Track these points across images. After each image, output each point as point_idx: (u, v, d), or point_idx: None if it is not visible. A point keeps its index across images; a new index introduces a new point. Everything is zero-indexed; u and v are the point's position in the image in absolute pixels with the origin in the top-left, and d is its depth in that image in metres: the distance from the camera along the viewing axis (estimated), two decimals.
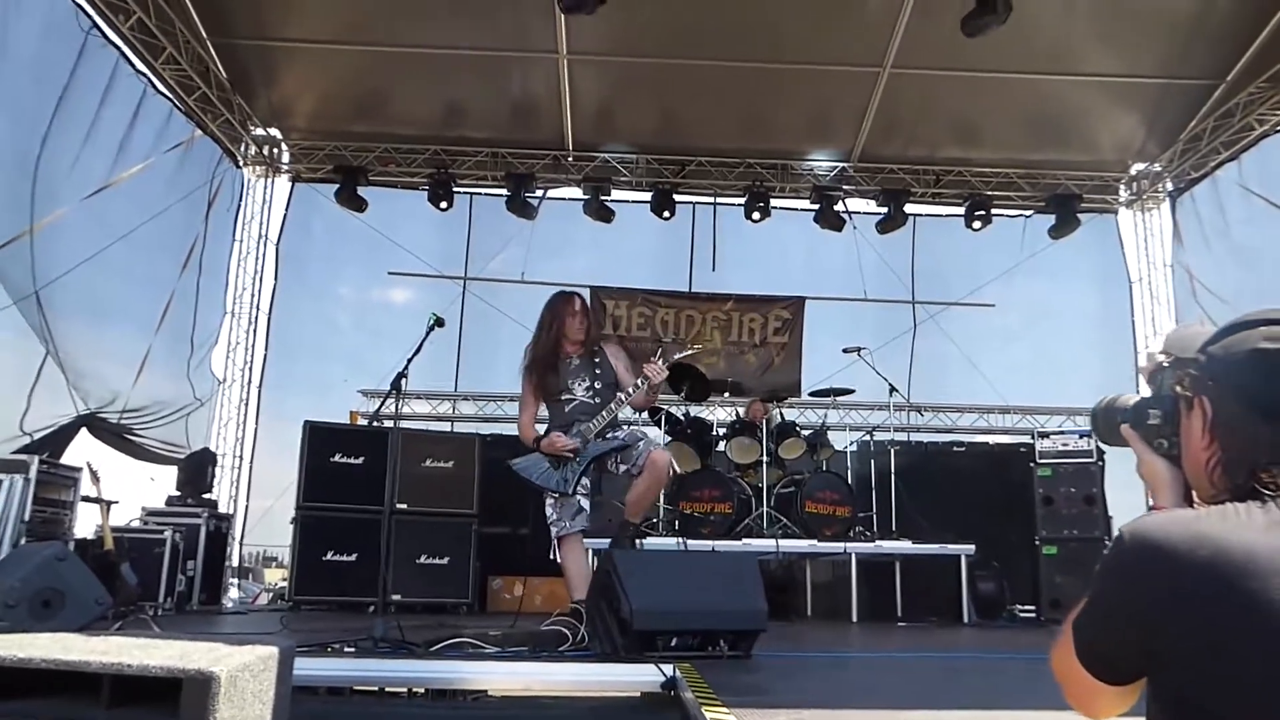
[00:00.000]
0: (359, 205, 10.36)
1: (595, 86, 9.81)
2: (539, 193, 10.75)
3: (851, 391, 8.88)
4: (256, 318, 10.53)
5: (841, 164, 10.80)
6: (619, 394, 5.10)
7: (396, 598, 7.09)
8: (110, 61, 7.88)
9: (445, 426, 10.60)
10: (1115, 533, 1.24)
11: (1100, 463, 7.77)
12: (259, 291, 10.56)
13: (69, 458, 6.88)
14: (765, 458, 8.08)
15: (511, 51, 9.13)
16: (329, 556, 7.34)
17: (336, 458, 7.54)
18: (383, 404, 5.05)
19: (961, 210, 10.75)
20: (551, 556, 5.12)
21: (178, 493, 7.94)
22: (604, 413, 5.05)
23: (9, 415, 6.75)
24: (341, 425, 8.35)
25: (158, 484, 8.33)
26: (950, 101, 9.79)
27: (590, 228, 10.70)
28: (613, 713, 3.76)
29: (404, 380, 4.78)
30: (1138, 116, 10.08)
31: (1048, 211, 10.75)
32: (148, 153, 8.41)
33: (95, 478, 6.12)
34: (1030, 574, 8.02)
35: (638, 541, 4.97)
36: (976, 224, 10.64)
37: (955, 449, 9.92)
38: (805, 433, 8.52)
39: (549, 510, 5.10)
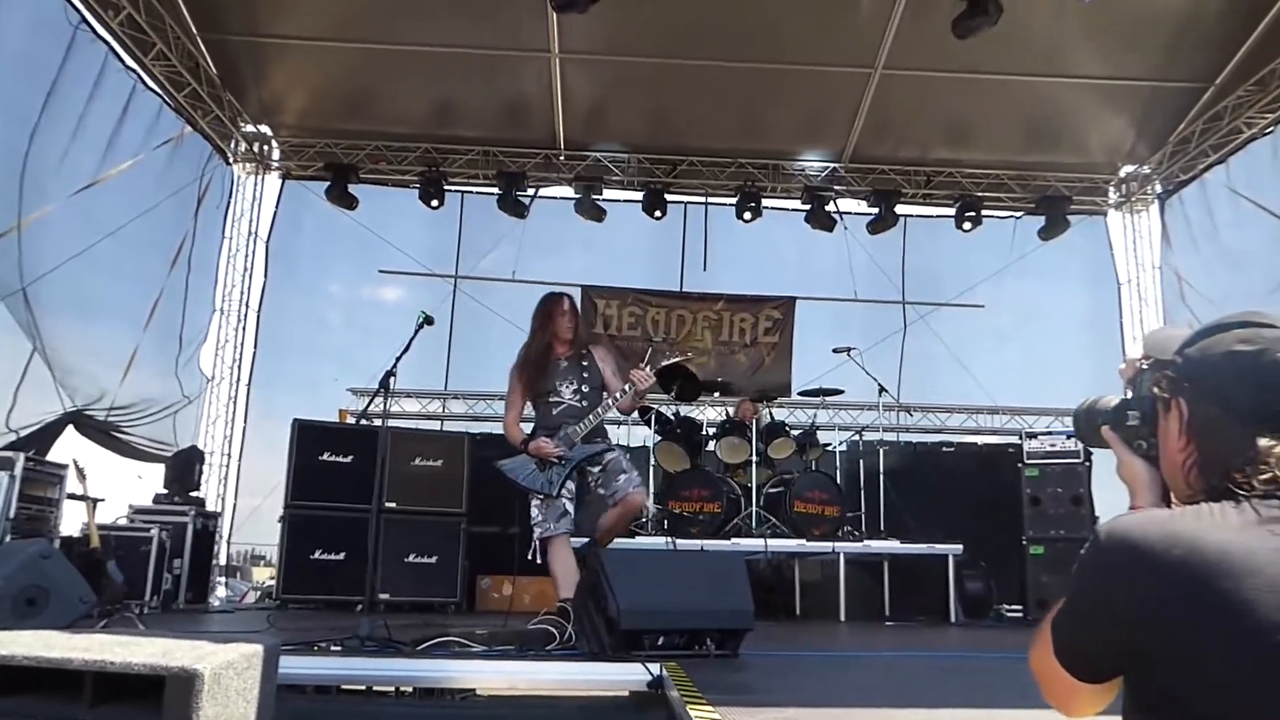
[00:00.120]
0: (350, 203, 10.34)
1: (587, 86, 9.80)
2: (530, 191, 10.74)
3: (841, 392, 8.89)
4: (246, 315, 10.50)
5: (833, 164, 10.82)
6: (606, 399, 5.12)
7: (385, 597, 7.09)
8: (99, 57, 7.84)
9: (435, 425, 10.59)
10: (1092, 532, 1.24)
11: (1087, 463, 7.80)
12: (248, 289, 10.53)
13: (55, 455, 6.84)
14: (755, 457, 8.09)
15: (503, 50, 9.12)
16: (317, 555, 7.31)
17: (325, 456, 7.51)
18: (370, 402, 5.04)
19: (952, 211, 10.79)
20: (531, 557, 5.13)
21: (165, 491, 7.91)
22: (590, 416, 5.08)
23: None
24: (330, 424, 8.33)
25: (145, 482, 8.31)
26: (941, 102, 9.82)
27: (581, 227, 10.70)
28: (600, 712, 3.77)
29: (393, 379, 4.77)
30: (1127, 119, 10.13)
31: (1038, 213, 10.79)
32: (137, 149, 8.37)
33: (81, 475, 6.09)
34: (1017, 574, 8.05)
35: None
36: (967, 225, 10.67)
37: (944, 449, 9.96)
38: (794, 433, 8.54)
39: (534, 512, 5.10)
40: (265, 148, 10.66)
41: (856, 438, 9.46)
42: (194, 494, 8.15)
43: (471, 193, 11.01)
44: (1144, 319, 10.93)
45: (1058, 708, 1.36)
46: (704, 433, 8.61)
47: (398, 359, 4.78)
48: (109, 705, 2.18)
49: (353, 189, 10.35)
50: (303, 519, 7.39)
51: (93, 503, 6.08)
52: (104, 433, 8.05)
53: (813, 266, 11.20)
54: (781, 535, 7.72)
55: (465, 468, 7.80)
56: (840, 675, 4.36)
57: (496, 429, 8.94)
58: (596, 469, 5.14)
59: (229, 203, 10.34)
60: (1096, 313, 11.29)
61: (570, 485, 5.08)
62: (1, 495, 5.67)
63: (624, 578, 3.97)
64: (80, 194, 7.58)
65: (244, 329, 10.46)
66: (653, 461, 8.48)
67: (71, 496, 6.27)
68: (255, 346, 10.56)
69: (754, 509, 7.87)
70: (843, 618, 7.40)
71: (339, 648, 4.15)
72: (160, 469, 8.32)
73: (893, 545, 7.75)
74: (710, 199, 11.07)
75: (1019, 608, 8.14)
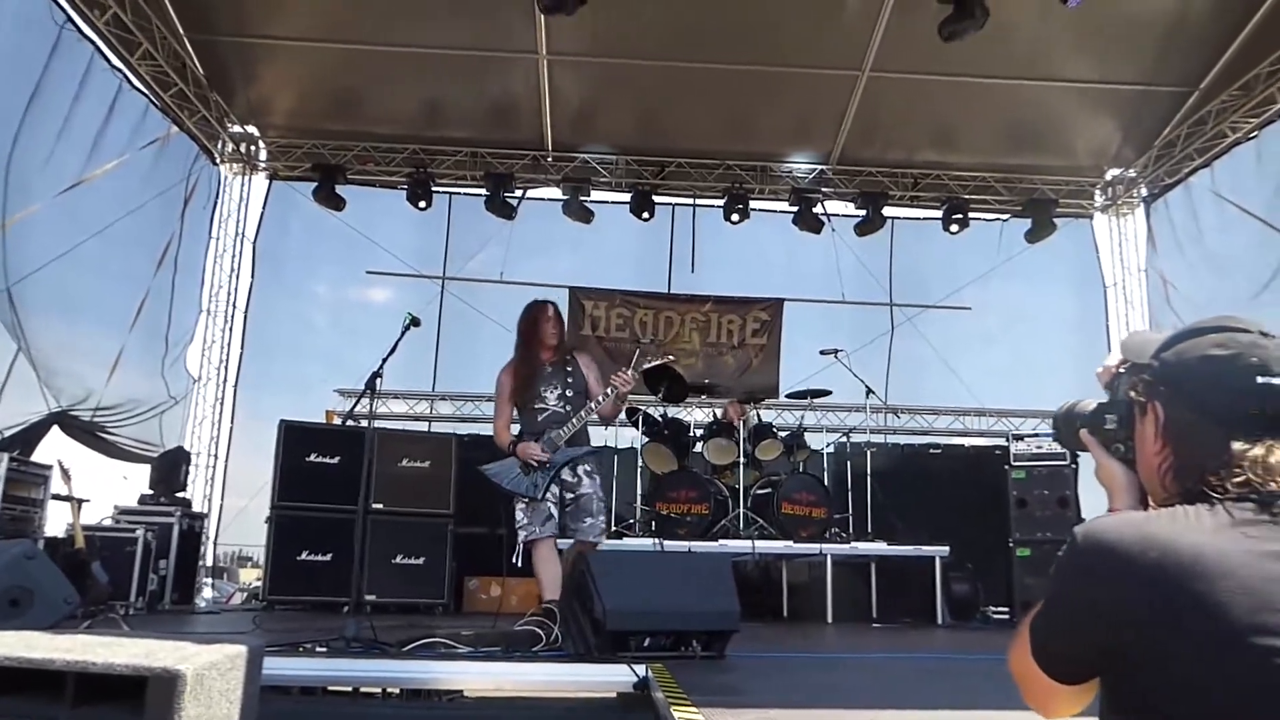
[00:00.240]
0: (337, 204, 10.31)
1: (575, 87, 9.80)
2: (518, 193, 10.73)
3: (828, 393, 8.92)
4: (233, 316, 10.46)
5: (820, 166, 10.84)
6: (589, 403, 5.20)
7: (372, 598, 7.07)
8: (85, 56, 7.80)
9: (423, 426, 10.56)
10: (1070, 535, 1.26)
11: (1073, 465, 7.84)
12: (235, 290, 10.49)
13: (40, 455, 6.81)
14: (742, 459, 8.11)
15: (491, 51, 9.11)
16: (304, 556, 7.30)
17: (312, 457, 7.50)
18: (356, 403, 5.04)
19: (939, 213, 10.81)
20: (516, 561, 5.16)
21: (150, 491, 7.87)
22: (574, 420, 5.16)
23: None
24: (317, 425, 8.32)
25: (130, 482, 8.27)
26: (928, 105, 9.85)
27: (569, 228, 10.70)
28: (588, 713, 3.77)
29: (379, 380, 4.76)
30: (1113, 122, 10.18)
31: (1024, 216, 10.84)
32: (123, 149, 8.33)
33: (66, 475, 6.06)
34: (1004, 576, 8.08)
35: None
36: (954, 227, 10.70)
37: (931, 451, 10.00)
38: (782, 434, 8.56)
39: (519, 515, 5.15)
40: (252, 148, 10.62)
41: (844, 439, 9.48)
42: (180, 495, 8.12)
43: (459, 194, 10.99)
44: (1129, 322, 10.99)
45: (1036, 709, 1.37)
46: (691, 434, 8.62)
47: (384, 360, 4.77)
48: (90, 706, 2.16)
49: (340, 190, 10.33)
50: (289, 520, 7.37)
51: (77, 503, 6.05)
52: (89, 433, 8.00)
53: (800, 268, 11.22)
54: (769, 537, 7.74)
55: (453, 469, 7.79)
56: (825, 676, 4.37)
57: (484, 430, 8.97)
58: (570, 484, 5.18)
59: (216, 203, 10.30)
60: (1083, 315, 11.35)
61: (554, 489, 5.13)
62: None
63: (610, 579, 3.98)
64: (66, 194, 7.55)
65: (231, 330, 10.43)
66: (640, 463, 8.49)
67: (56, 497, 6.24)
68: (242, 347, 10.53)
69: (741, 510, 7.89)
70: (829, 619, 7.42)
71: (324, 649, 4.14)
72: (146, 470, 8.28)
73: (880, 547, 7.78)
74: (698, 200, 11.08)
75: (1005, 609, 8.17)
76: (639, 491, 8.51)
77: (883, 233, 10.89)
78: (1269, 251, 8.52)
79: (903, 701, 3.32)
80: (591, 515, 5.18)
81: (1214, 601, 1.10)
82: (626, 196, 10.66)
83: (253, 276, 10.63)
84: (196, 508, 8.93)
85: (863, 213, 10.72)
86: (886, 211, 10.78)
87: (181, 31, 8.79)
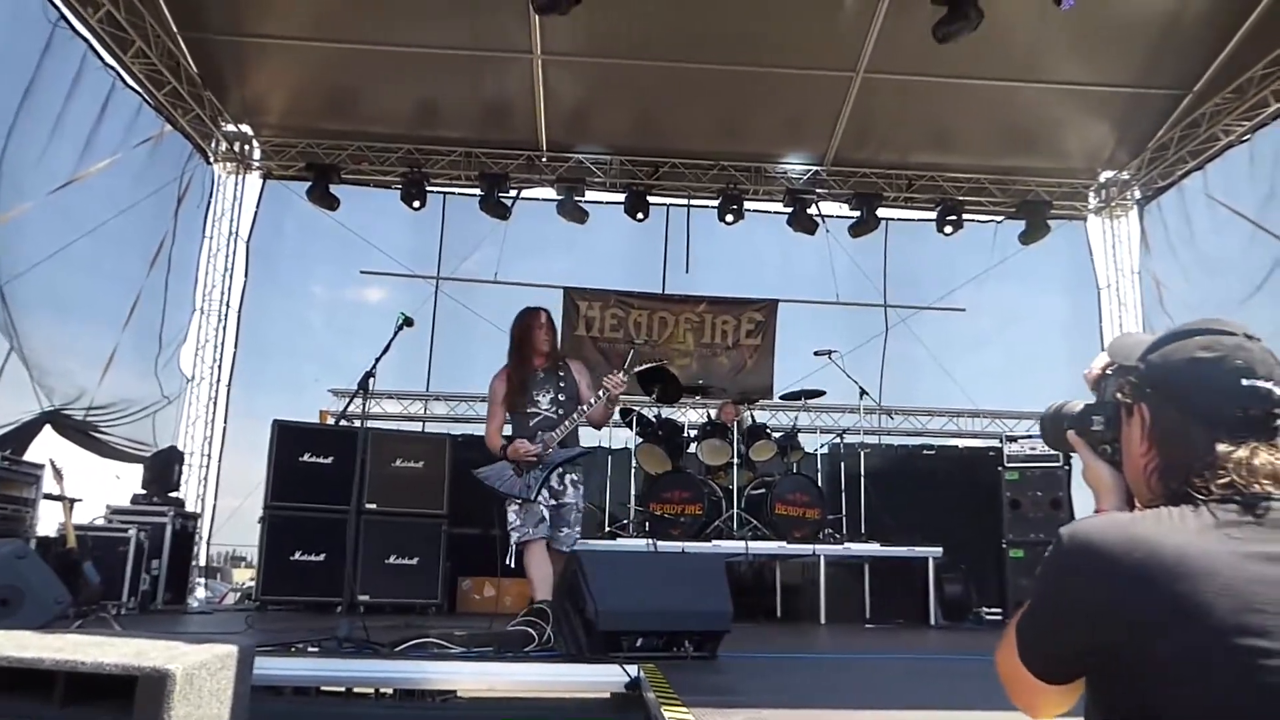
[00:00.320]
0: (331, 203, 10.30)
1: (570, 87, 9.80)
2: (513, 193, 10.73)
3: (822, 394, 8.92)
4: (226, 315, 10.44)
5: (815, 167, 10.85)
6: (581, 406, 5.27)
7: (365, 598, 7.06)
8: (78, 54, 7.78)
9: (417, 426, 10.55)
10: (1055, 536, 1.26)
11: (1066, 467, 7.86)
12: (229, 289, 10.47)
13: (32, 455, 6.79)
14: (736, 459, 8.11)
15: (486, 51, 9.10)
16: (297, 556, 7.28)
17: (306, 457, 7.48)
18: (349, 403, 5.04)
19: (933, 215, 10.83)
20: (509, 562, 5.19)
21: (143, 491, 7.85)
22: (566, 422, 5.22)
23: None
24: (311, 424, 8.29)
25: (123, 482, 8.25)
26: (923, 107, 9.86)
27: (564, 228, 10.69)
28: (580, 713, 3.77)
29: (372, 380, 4.77)
30: (1108, 125, 10.21)
31: (1018, 217, 10.85)
32: (116, 147, 8.31)
33: (58, 475, 6.05)
34: (997, 576, 8.10)
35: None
36: (948, 229, 10.72)
37: (925, 452, 10.00)
38: (776, 435, 8.56)
39: (512, 517, 5.19)
40: (246, 147, 10.60)
41: (838, 440, 9.48)
42: (173, 494, 8.11)
43: (454, 194, 10.99)
44: (1123, 323, 11.02)
45: (1023, 709, 1.37)
46: (685, 435, 8.62)
47: (377, 360, 4.78)
48: (80, 706, 2.16)
49: (334, 189, 10.31)
50: (283, 520, 7.36)
51: (69, 503, 6.04)
52: (82, 433, 7.99)
53: (795, 269, 11.23)
54: (762, 537, 7.74)
55: (446, 469, 7.78)
56: (817, 677, 4.38)
57: (478, 430, 8.92)
58: (557, 491, 5.23)
59: (209, 202, 10.29)
60: (1076, 317, 11.37)
61: (545, 493, 5.17)
62: None
63: (602, 579, 3.98)
64: (58, 192, 7.53)
65: (224, 329, 10.41)
66: (634, 463, 8.48)
67: (48, 497, 6.22)
68: (236, 347, 10.51)
69: (735, 511, 7.89)
70: (823, 620, 7.43)
71: (316, 649, 4.14)
72: (139, 469, 8.27)
73: (873, 548, 7.78)
74: (692, 201, 11.09)
75: (998, 610, 8.18)
76: (633, 492, 8.50)
77: (877, 234, 10.90)
78: (1261, 254, 8.55)
79: (893, 701, 3.33)
80: (569, 525, 5.26)
81: (1198, 602, 1.11)
82: (621, 197, 10.66)
83: (246, 276, 10.61)
84: (189, 508, 8.90)
85: (857, 214, 10.72)
86: (881, 213, 10.79)
87: (175, 29, 8.77)
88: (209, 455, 10.13)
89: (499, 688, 3.87)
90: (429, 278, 10.93)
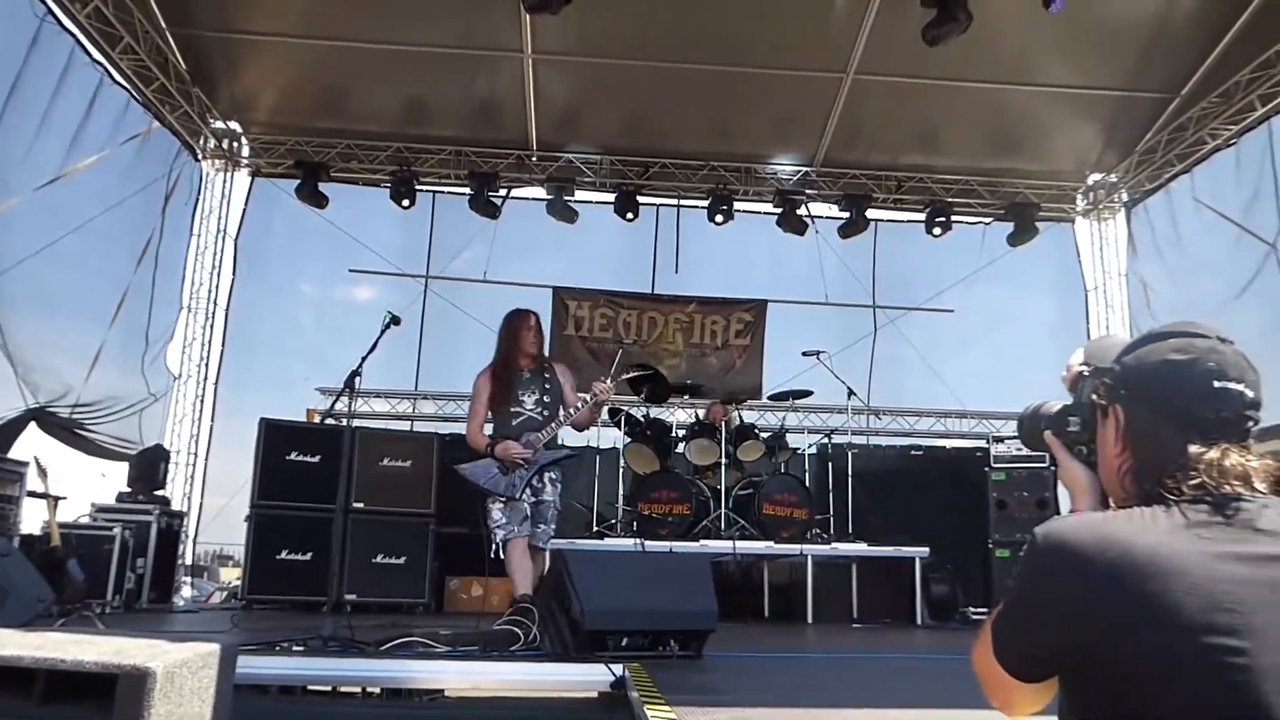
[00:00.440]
0: (320, 201, 10.26)
1: (560, 87, 9.79)
2: (502, 192, 10.72)
3: (810, 394, 8.94)
4: (214, 313, 10.39)
5: (805, 168, 10.87)
6: (567, 409, 5.36)
7: (352, 597, 7.05)
8: (65, 50, 7.73)
9: (405, 425, 10.54)
10: (1030, 535, 1.28)
11: (1053, 468, 7.89)
12: (216, 287, 10.42)
13: (16, 452, 6.75)
14: (724, 459, 8.12)
15: (476, 50, 9.08)
16: (284, 555, 7.26)
17: (293, 456, 7.46)
18: (335, 402, 5.03)
19: (922, 216, 10.85)
20: (494, 554, 5.27)
21: (129, 489, 7.82)
22: (553, 424, 5.30)
23: None
24: (298, 423, 8.28)
25: (109, 480, 8.22)
26: (913, 108, 9.88)
27: (553, 228, 10.68)
28: (567, 712, 3.78)
29: (358, 378, 4.76)
30: (1096, 128, 10.25)
31: (1007, 219, 10.88)
32: (103, 144, 8.27)
33: (43, 473, 6.02)
34: (983, 576, 8.13)
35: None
36: (937, 230, 10.74)
37: (912, 453, 10.04)
38: (764, 435, 8.57)
39: (496, 514, 5.24)
40: (235, 144, 10.55)
41: (826, 440, 9.51)
42: (159, 493, 8.08)
43: (443, 193, 10.95)
44: (1110, 325, 11.06)
45: (999, 707, 1.39)
46: (674, 435, 8.63)
47: (363, 359, 4.78)
48: (60, 704, 2.16)
49: (323, 188, 10.27)
50: (269, 519, 7.34)
51: (54, 501, 6.02)
52: (67, 430, 7.94)
53: (784, 270, 11.24)
54: (750, 537, 7.75)
55: (434, 468, 7.77)
56: (801, 676, 4.39)
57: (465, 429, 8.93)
58: (537, 489, 5.29)
59: (197, 199, 10.23)
60: (1064, 318, 11.40)
61: (528, 492, 5.23)
62: None
63: (587, 579, 3.98)
64: (45, 188, 7.48)
65: (212, 327, 10.36)
66: (622, 463, 8.49)
67: (32, 494, 6.19)
68: (223, 345, 10.46)
69: (723, 511, 7.90)
70: (810, 620, 7.44)
71: (301, 648, 4.13)
72: (125, 467, 8.23)
73: (860, 548, 7.80)
74: (682, 201, 11.09)
75: (984, 610, 8.19)
76: (621, 492, 8.51)
77: (866, 235, 10.92)
78: (1247, 256, 8.61)
79: (877, 701, 3.34)
80: (546, 523, 5.34)
81: (1168, 601, 1.12)
82: (611, 196, 10.65)
83: (234, 274, 10.56)
84: (176, 506, 8.87)
85: (846, 215, 10.74)
86: (870, 214, 10.81)
87: (164, 25, 8.72)
88: (195, 454, 10.08)
89: (484, 687, 3.87)
90: (418, 276, 10.91)
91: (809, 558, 7.57)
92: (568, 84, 9.80)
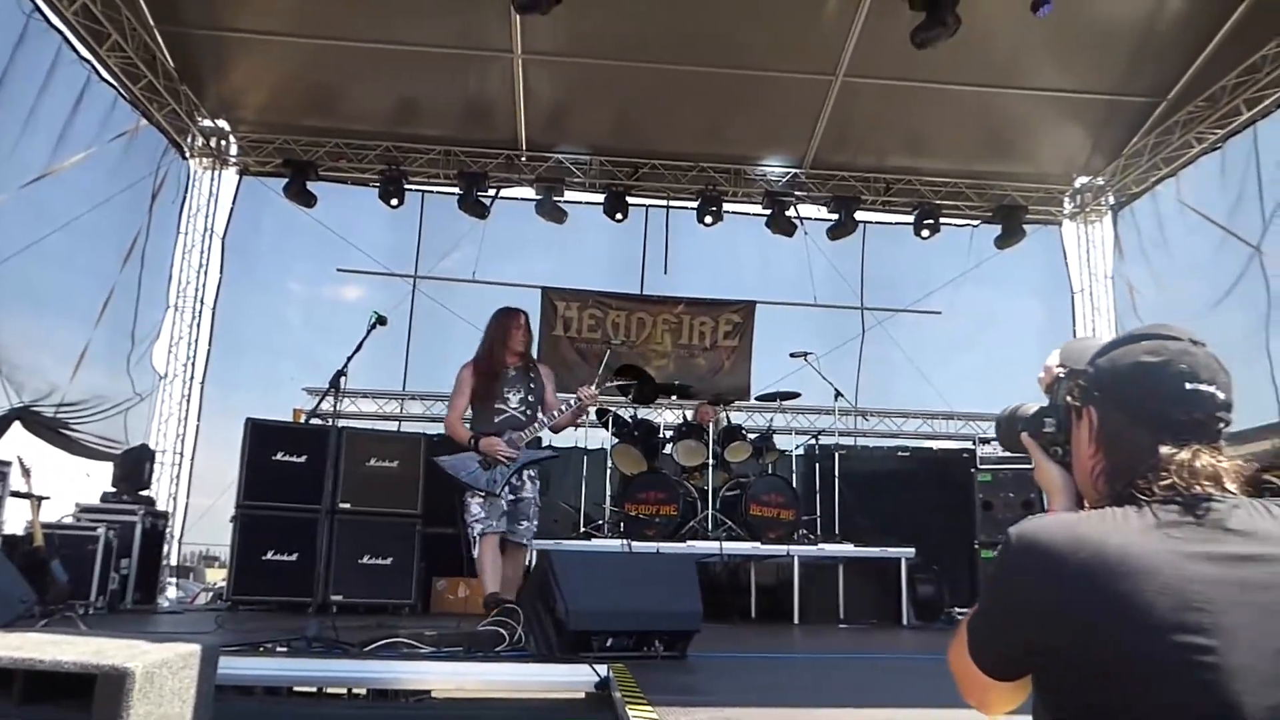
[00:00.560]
0: (308, 200, 10.23)
1: (550, 87, 9.79)
2: (491, 192, 10.70)
3: (798, 396, 8.95)
4: (201, 312, 10.34)
5: (793, 170, 10.89)
6: (552, 410, 5.43)
7: (338, 598, 7.03)
8: (52, 47, 7.70)
9: (393, 426, 10.50)
10: (1004, 535, 1.29)
11: None
12: (203, 286, 10.37)
13: None
14: (711, 460, 8.13)
15: (466, 50, 9.08)
16: (269, 556, 7.23)
17: (279, 456, 7.43)
18: (320, 402, 5.02)
19: (911, 218, 10.88)
20: (474, 551, 5.32)
21: (113, 489, 7.78)
22: (536, 425, 5.36)
23: None
24: (284, 423, 8.25)
25: (94, 480, 8.17)
26: (901, 111, 9.91)
27: (542, 228, 10.66)
28: (553, 713, 3.78)
29: (343, 378, 4.75)
30: (1083, 131, 10.30)
31: (994, 221, 10.93)
32: (90, 141, 8.22)
33: (26, 472, 5.98)
34: (969, 577, 8.16)
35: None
36: (925, 232, 10.77)
37: (899, 454, 10.06)
38: (751, 436, 8.57)
39: (474, 509, 5.28)
40: (223, 143, 10.50)
41: (813, 442, 9.53)
42: (144, 493, 8.03)
43: (432, 192, 10.93)
44: (1096, 327, 11.11)
45: (975, 706, 1.40)
46: (661, 435, 8.63)
47: (349, 359, 4.77)
48: (39, 704, 2.15)
49: (312, 187, 10.24)
50: (254, 519, 7.31)
51: (37, 500, 5.98)
52: (52, 430, 7.89)
53: (772, 271, 11.26)
54: (737, 538, 7.76)
55: (421, 469, 7.75)
56: (785, 676, 4.40)
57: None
58: (515, 487, 5.34)
59: (185, 198, 10.18)
60: (1051, 321, 11.44)
61: (509, 488, 5.28)
62: None
63: (572, 579, 3.98)
64: (31, 185, 7.44)
65: (198, 326, 10.31)
66: (610, 464, 8.49)
67: (15, 494, 6.13)
68: (210, 344, 10.41)
69: (710, 512, 7.90)
70: (796, 620, 7.45)
71: (285, 649, 4.12)
72: (109, 467, 8.18)
73: (847, 549, 7.82)
74: (671, 202, 11.10)
75: (970, 611, 8.22)
76: (608, 492, 8.50)
77: (855, 236, 10.93)
78: (1231, 259, 8.66)
79: (857, 700, 3.35)
80: (527, 519, 5.40)
81: (1140, 600, 1.13)
82: (600, 197, 10.66)
83: (221, 272, 10.51)
84: (161, 506, 8.83)
85: (835, 216, 10.76)
86: (859, 216, 10.83)
87: (151, 23, 8.69)
88: (181, 454, 10.02)
89: (469, 687, 3.86)
90: (406, 276, 10.89)
91: (796, 558, 7.58)
92: (557, 84, 9.80)
